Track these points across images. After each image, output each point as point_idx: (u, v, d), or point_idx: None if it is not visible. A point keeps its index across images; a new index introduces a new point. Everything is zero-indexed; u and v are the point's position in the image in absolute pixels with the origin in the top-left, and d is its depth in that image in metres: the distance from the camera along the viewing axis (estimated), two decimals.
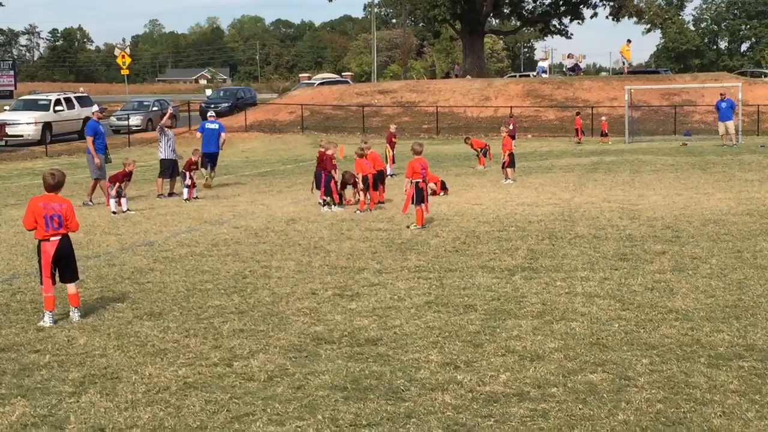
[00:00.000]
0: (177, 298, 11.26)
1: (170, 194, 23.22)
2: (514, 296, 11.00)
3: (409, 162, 17.32)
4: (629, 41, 61.12)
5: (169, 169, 23.43)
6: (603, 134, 43.39)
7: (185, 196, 22.16)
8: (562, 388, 7.59)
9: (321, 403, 7.34)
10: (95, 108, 23.68)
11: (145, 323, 10.06)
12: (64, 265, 10.34)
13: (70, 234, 10.47)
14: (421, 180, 16.78)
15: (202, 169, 24.94)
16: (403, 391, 7.59)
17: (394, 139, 29.07)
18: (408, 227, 16.54)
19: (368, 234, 16.07)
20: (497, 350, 8.72)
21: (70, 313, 10.34)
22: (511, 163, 24.92)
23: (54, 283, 10.25)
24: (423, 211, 16.68)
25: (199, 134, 26.76)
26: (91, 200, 21.86)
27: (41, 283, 10.32)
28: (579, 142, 43.18)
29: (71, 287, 10.38)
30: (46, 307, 10.17)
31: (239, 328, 9.76)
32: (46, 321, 10.10)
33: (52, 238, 10.20)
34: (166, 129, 23.68)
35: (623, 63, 64.93)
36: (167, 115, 25.24)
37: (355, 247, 14.79)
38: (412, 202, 16.78)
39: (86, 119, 48.87)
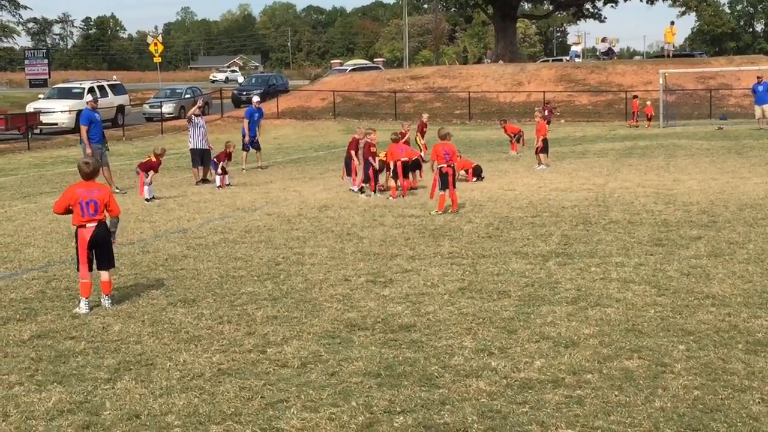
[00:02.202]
0: (210, 285, 11.29)
1: (203, 181, 23.33)
2: (548, 282, 10.93)
3: (434, 146, 17.32)
4: (673, 23, 60.34)
5: (199, 158, 23.59)
6: (648, 118, 42.74)
7: (217, 183, 22.20)
8: (597, 374, 7.53)
9: (355, 389, 7.32)
10: (89, 98, 23.74)
11: (179, 310, 10.09)
12: (100, 251, 10.39)
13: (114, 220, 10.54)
14: (445, 165, 16.76)
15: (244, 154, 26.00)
16: (437, 377, 7.56)
17: (425, 129, 28.96)
18: (429, 213, 16.50)
19: (401, 220, 16.04)
20: (531, 336, 8.67)
21: (102, 301, 10.40)
22: (545, 149, 24.75)
23: (90, 269, 10.32)
24: (446, 197, 16.67)
25: (246, 120, 27.47)
26: None
27: (78, 270, 10.39)
28: (635, 126, 42.58)
29: (104, 274, 10.43)
30: (83, 294, 10.23)
31: (273, 314, 9.77)
32: (82, 308, 10.16)
33: (88, 225, 10.26)
34: (195, 118, 23.77)
35: (667, 46, 63.71)
36: (196, 105, 25.35)
37: (388, 233, 14.76)
38: (438, 188, 16.81)
39: (120, 107, 49.40)
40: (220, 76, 58.37)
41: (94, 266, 10.38)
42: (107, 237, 10.48)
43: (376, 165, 19.76)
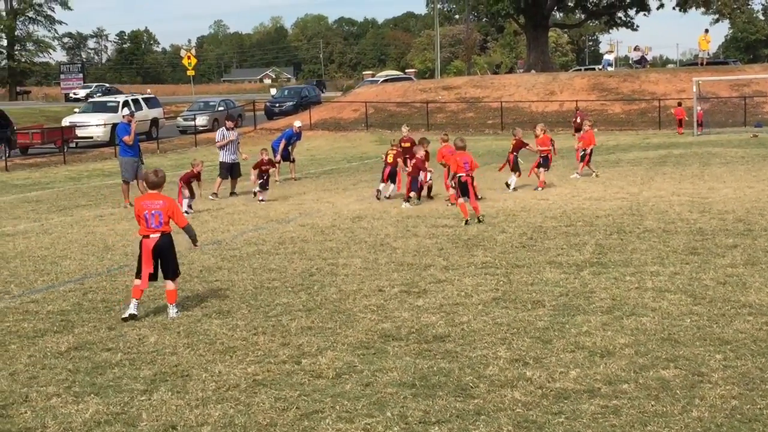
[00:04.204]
0: (245, 296, 11.35)
1: (231, 194, 23.36)
2: (582, 292, 10.88)
3: (453, 156, 17.59)
4: (707, 31, 59.88)
5: (227, 171, 23.62)
6: (699, 123, 42.10)
7: (260, 197, 21.84)
8: (633, 384, 7.48)
9: (390, 400, 7.32)
10: (125, 111, 23.81)
11: (214, 321, 10.15)
12: (165, 261, 10.58)
13: (178, 230, 10.73)
14: (464, 174, 16.94)
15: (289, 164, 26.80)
16: (471, 387, 7.55)
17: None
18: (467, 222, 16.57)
19: (434, 230, 16.03)
20: (566, 346, 8.64)
21: (168, 310, 10.55)
22: (582, 158, 24.58)
23: (155, 279, 10.51)
24: (466, 205, 16.80)
25: (284, 141, 27.51)
26: (130, 203, 21.61)
27: (137, 277, 10.55)
28: (680, 133, 42.08)
29: (170, 284, 10.62)
30: (134, 295, 10.45)
31: (307, 325, 9.80)
32: (131, 308, 10.35)
33: (152, 235, 10.45)
34: (227, 132, 23.79)
35: (701, 53, 63.13)
36: (217, 144, 24.63)
37: (422, 243, 14.76)
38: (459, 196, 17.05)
39: (154, 120, 49.75)
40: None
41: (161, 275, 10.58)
42: (171, 247, 10.64)
43: (427, 178, 20.23)
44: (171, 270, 10.65)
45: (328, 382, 7.83)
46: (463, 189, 16.93)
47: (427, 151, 20.68)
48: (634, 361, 8.08)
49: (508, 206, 18.77)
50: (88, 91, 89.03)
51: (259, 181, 20.39)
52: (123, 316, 10.34)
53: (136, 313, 10.34)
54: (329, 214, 18.90)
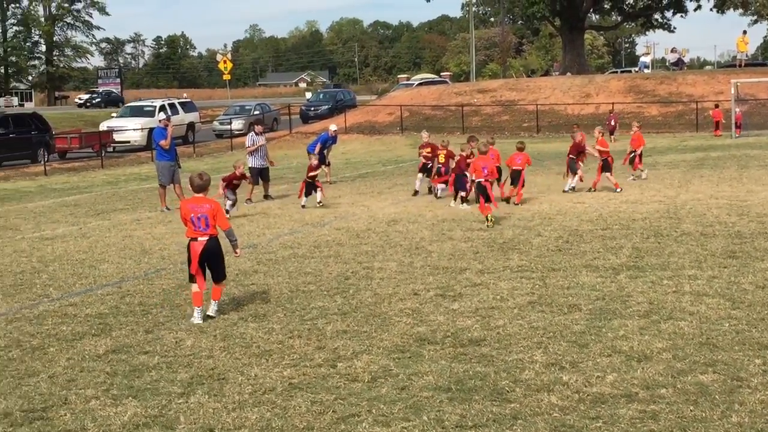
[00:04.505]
0: (281, 300, 11.38)
1: (266, 197, 23.42)
2: (619, 295, 10.81)
3: (474, 160, 17.93)
4: (745, 32, 59.38)
5: (257, 175, 23.63)
6: (737, 125, 41.72)
7: (318, 198, 21.29)
8: (671, 389, 7.42)
9: (426, 404, 7.32)
10: (162, 116, 23.94)
11: (249, 325, 10.19)
12: (212, 265, 10.65)
13: (221, 233, 10.77)
14: (483, 179, 17.20)
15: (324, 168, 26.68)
16: (508, 392, 7.53)
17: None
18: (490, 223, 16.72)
19: (469, 234, 16.00)
20: (603, 350, 8.59)
21: (210, 305, 10.65)
22: (631, 161, 24.34)
23: (204, 279, 10.57)
24: (487, 206, 17.00)
25: (320, 145, 27.56)
26: (166, 207, 21.75)
27: (190, 281, 10.63)
28: (717, 135, 41.71)
29: (216, 284, 10.74)
30: (195, 303, 10.52)
31: (342, 329, 9.81)
32: (196, 317, 10.43)
33: (199, 238, 10.49)
34: (256, 137, 23.86)
35: (740, 55, 62.52)
36: (249, 149, 24.57)
37: (457, 247, 14.74)
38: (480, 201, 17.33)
39: (190, 125, 50.08)
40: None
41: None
42: (219, 250, 10.69)
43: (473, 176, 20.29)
44: (219, 274, 10.73)
45: (363, 386, 7.84)
46: (483, 194, 17.13)
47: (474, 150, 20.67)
48: (672, 366, 8.02)
49: (543, 209, 18.70)
50: (88, 96, 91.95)
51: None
52: (189, 322, 10.42)
53: (201, 321, 10.40)
54: (364, 217, 18.92)
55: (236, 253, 11.17)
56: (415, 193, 22.67)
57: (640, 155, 24.41)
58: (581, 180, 21.94)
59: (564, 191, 21.49)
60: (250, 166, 23.75)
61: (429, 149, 22.99)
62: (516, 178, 19.82)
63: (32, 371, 8.72)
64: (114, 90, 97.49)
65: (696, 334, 9.00)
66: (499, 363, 8.33)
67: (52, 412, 7.52)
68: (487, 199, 17.02)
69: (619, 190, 21.14)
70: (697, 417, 6.80)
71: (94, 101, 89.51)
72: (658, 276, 11.77)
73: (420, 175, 23.14)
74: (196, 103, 58.17)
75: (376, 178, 29.83)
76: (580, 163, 21.98)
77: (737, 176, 23.80)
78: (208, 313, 10.53)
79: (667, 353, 8.40)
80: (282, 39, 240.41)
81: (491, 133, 41.71)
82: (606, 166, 21.85)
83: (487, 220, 16.69)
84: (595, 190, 21.40)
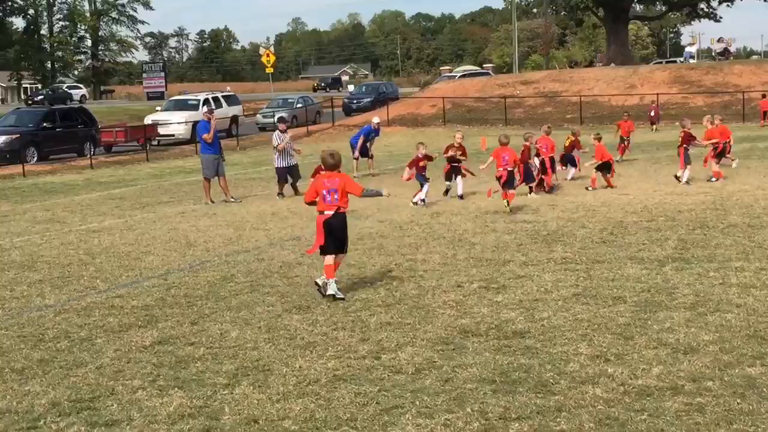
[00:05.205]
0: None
1: (279, 195, 23.18)
2: (665, 287, 10.73)
3: (495, 150, 18.34)
4: None
5: (284, 175, 23.37)
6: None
7: (422, 195, 20.16)
8: (718, 381, 7.36)
9: (470, 396, 7.31)
10: (205, 109, 23.98)
11: (294, 316, 10.24)
12: (338, 236, 11.05)
13: (349, 204, 11.26)
14: (502, 168, 17.87)
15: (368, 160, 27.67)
16: (552, 384, 7.50)
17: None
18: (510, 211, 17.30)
19: (513, 226, 15.95)
20: (649, 343, 8.53)
21: (319, 279, 11.20)
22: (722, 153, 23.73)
23: (331, 252, 10.94)
24: (510, 194, 17.77)
25: (363, 138, 27.59)
26: (210, 200, 21.81)
27: (321, 254, 11.03)
28: (763, 126, 41.13)
29: (332, 258, 11.03)
30: (327, 275, 10.92)
31: (386, 321, 9.83)
32: (331, 289, 10.86)
33: (326, 211, 10.96)
34: (281, 135, 23.49)
35: None
36: (279, 146, 24.43)
37: (500, 239, 14.70)
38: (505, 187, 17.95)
39: (234, 117, 50.33)
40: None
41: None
42: (344, 223, 11.16)
43: (538, 165, 21.05)
44: (341, 245, 11.15)
45: (407, 378, 7.85)
46: (507, 181, 17.82)
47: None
48: (719, 359, 7.95)
49: (587, 201, 18.59)
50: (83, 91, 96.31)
51: (425, 187, 19.63)
52: (329, 294, 10.84)
53: (341, 295, 10.85)
54: (407, 209, 18.91)
55: (384, 194, 11.88)
56: (446, 192, 21.27)
57: (731, 145, 23.94)
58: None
59: (684, 182, 20.75)
60: (276, 166, 23.40)
61: (461, 152, 21.76)
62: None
63: (80, 362, 8.83)
64: (62, 87, 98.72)
65: (743, 327, 8.90)
66: (543, 355, 8.30)
67: (99, 402, 7.61)
68: (509, 185, 17.84)
69: (714, 179, 20.86)
70: (744, 410, 6.73)
71: (36, 99, 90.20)
72: (704, 268, 11.66)
73: (447, 183, 21.43)
74: (239, 97, 58.43)
75: None
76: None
77: None
78: (319, 281, 11.08)
79: (714, 346, 8.33)
80: (324, 32, 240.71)
81: (534, 125, 41.46)
82: (718, 155, 21.66)
83: (507, 205, 17.53)
84: (716, 179, 20.92)
